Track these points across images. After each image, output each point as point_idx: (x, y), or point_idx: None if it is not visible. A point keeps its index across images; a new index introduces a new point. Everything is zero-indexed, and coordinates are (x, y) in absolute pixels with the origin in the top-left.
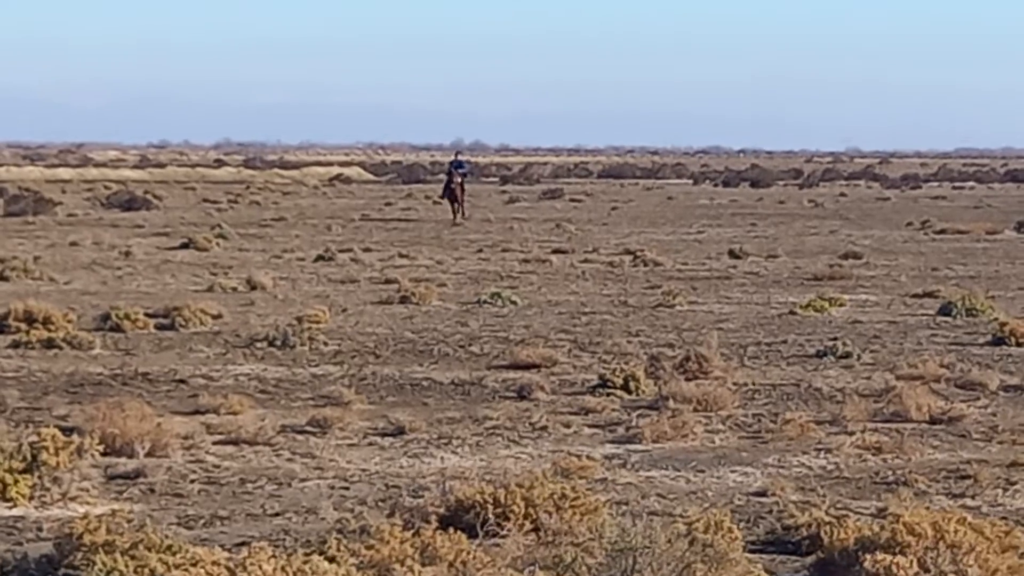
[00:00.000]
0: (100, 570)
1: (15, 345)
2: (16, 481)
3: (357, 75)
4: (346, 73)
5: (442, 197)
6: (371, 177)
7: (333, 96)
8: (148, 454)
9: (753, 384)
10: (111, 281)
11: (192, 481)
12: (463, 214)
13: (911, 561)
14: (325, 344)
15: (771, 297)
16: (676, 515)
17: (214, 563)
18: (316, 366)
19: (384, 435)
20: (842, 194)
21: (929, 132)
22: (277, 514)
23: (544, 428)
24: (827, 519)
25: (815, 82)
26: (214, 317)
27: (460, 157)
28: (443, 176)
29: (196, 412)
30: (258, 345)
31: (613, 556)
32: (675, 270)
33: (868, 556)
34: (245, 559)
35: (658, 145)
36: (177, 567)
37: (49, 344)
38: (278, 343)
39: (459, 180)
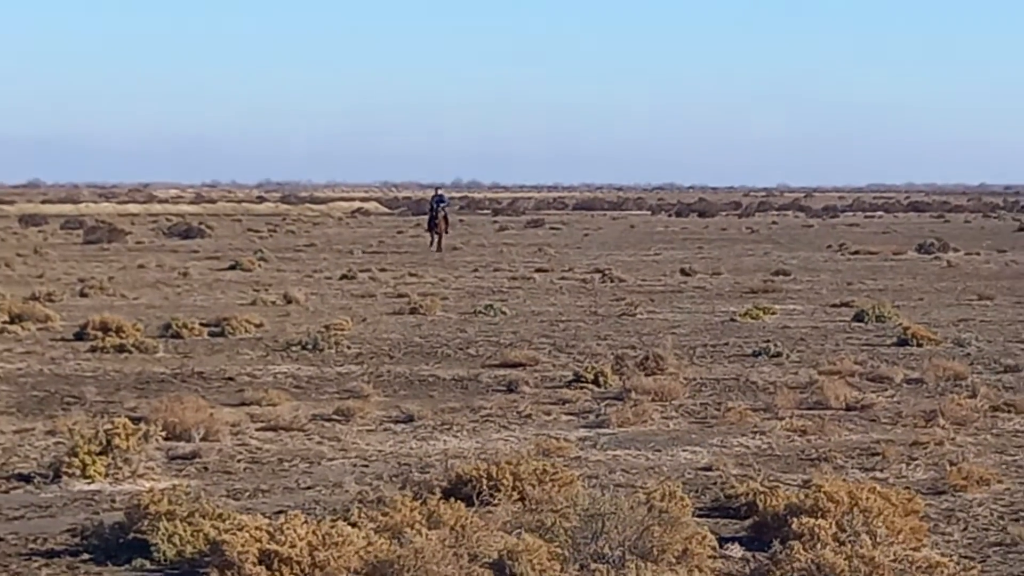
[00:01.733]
0: (163, 534)
1: (93, 350)
2: (94, 461)
3: (373, 126)
4: (365, 124)
5: (428, 229)
6: (386, 210)
7: (354, 143)
8: (203, 439)
9: (700, 379)
10: (172, 297)
11: (239, 461)
12: (439, 247)
13: (831, 523)
14: (348, 348)
15: (715, 307)
16: (637, 486)
17: (257, 528)
18: (341, 366)
19: (397, 422)
20: (774, 222)
21: (845, 171)
22: (309, 488)
23: (529, 416)
24: (762, 489)
25: (749, 130)
26: (256, 326)
27: (440, 192)
28: (427, 210)
29: (242, 404)
30: (293, 349)
31: (586, 520)
32: (636, 285)
33: (795, 519)
34: (282, 524)
35: (622, 183)
36: (226, 531)
37: (121, 349)
38: (309, 347)
39: (442, 214)
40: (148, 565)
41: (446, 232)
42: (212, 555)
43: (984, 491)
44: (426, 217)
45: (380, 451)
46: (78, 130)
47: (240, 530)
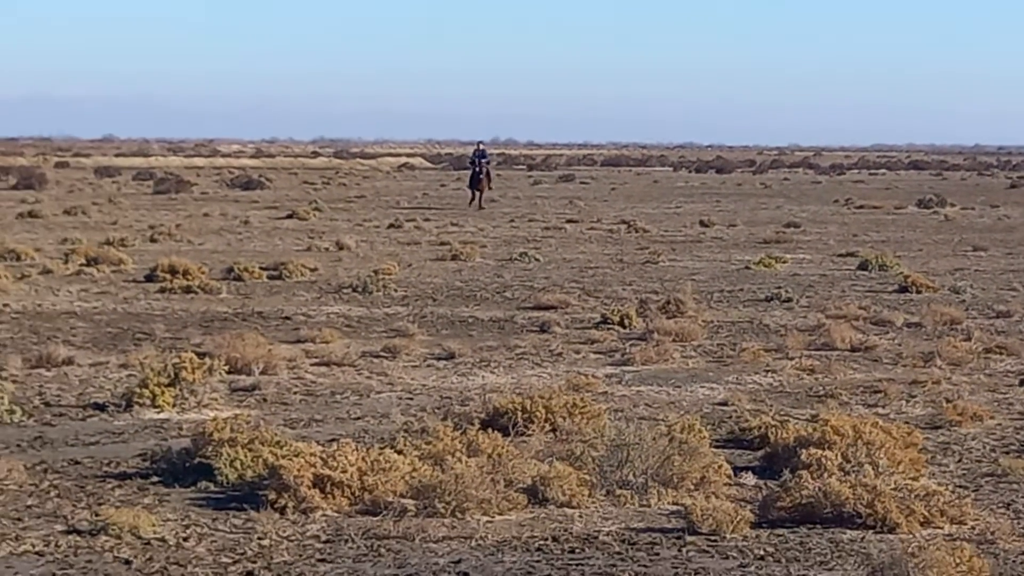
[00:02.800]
0: (225, 459)
1: (162, 291)
2: (163, 392)
3: (419, 88)
4: (411, 87)
5: (470, 186)
6: (429, 165)
7: (402, 104)
8: (262, 373)
9: (717, 321)
10: (233, 243)
11: (294, 393)
12: (480, 203)
13: (836, 454)
14: (395, 291)
15: (731, 256)
16: (659, 419)
17: (311, 454)
18: (388, 307)
19: (439, 359)
20: (785, 178)
21: (851, 132)
22: (358, 418)
23: (560, 354)
24: (773, 423)
25: (764, 93)
26: (311, 270)
27: (482, 146)
28: (469, 165)
29: (298, 341)
30: (344, 291)
31: (612, 450)
32: (659, 235)
33: (804, 450)
34: (335, 451)
35: (647, 141)
36: (283, 457)
37: (187, 290)
38: (359, 290)
39: (485, 170)
40: (212, 487)
41: (489, 188)
42: (270, 479)
43: (977, 426)
44: (468, 173)
45: (424, 385)
46: (149, 89)
47: (296, 456)
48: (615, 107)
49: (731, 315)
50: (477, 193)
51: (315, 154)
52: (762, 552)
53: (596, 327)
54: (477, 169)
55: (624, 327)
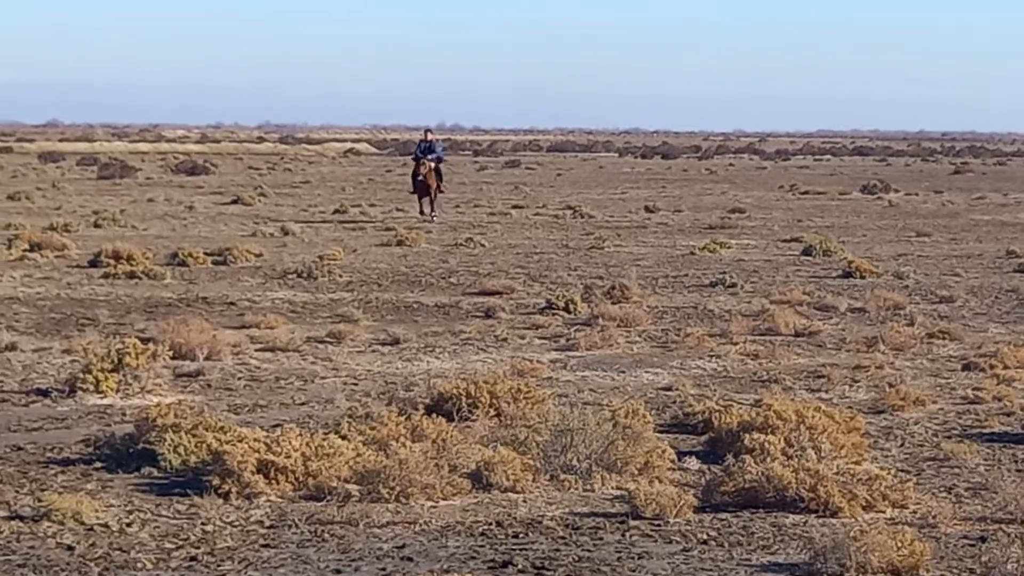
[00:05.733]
0: (169, 445)
1: (106, 276)
2: (106, 378)
3: (364, 73)
4: (355, 72)
5: (413, 190)
6: (375, 151)
7: (347, 89)
8: (206, 358)
9: (662, 307)
10: (178, 228)
11: (239, 378)
12: (431, 208)
13: (779, 439)
14: (340, 276)
15: (676, 242)
16: (603, 404)
17: (255, 439)
18: (333, 292)
19: (384, 344)
20: (731, 164)
21: (796, 118)
22: (303, 403)
23: (505, 339)
24: (717, 408)
25: (709, 80)
26: (256, 255)
27: (431, 136)
28: (414, 158)
29: (242, 327)
30: (289, 277)
31: (556, 435)
32: (604, 221)
33: (747, 435)
34: (279, 437)
35: (593, 127)
36: (227, 443)
37: (131, 275)
38: (304, 275)
39: (430, 166)
40: (155, 473)
41: (440, 191)
42: (214, 464)
43: (920, 411)
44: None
45: (369, 371)
46: (94, 75)
47: (240, 442)
48: (561, 93)
49: (676, 300)
50: (426, 197)
51: (260, 139)
52: (705, 536)
53: (541, 312)
54: (419, 168)
55: (569, 312)
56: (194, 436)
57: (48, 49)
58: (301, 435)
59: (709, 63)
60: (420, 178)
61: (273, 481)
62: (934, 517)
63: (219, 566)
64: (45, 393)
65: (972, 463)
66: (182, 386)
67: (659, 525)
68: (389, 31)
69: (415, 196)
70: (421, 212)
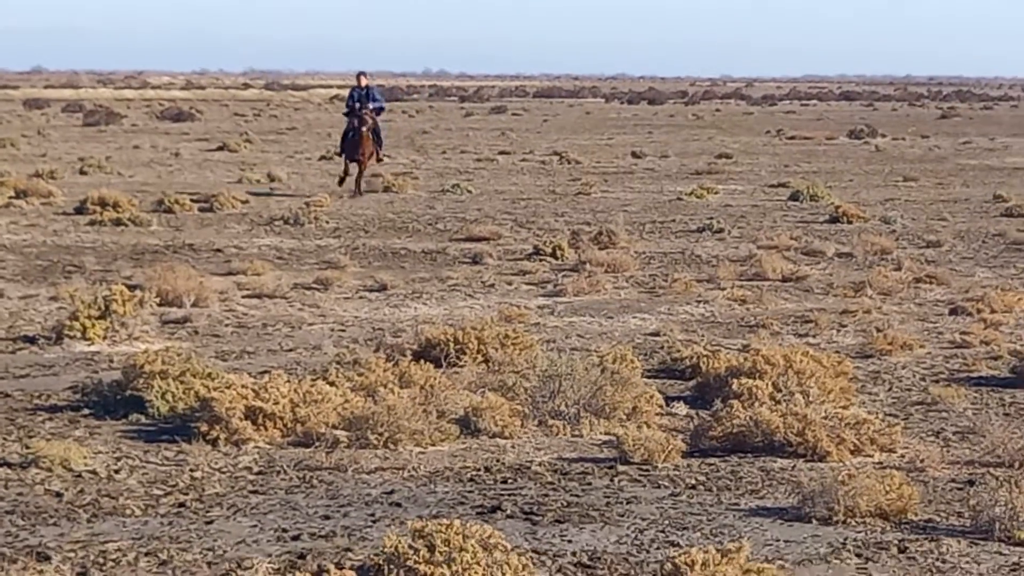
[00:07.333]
0: (157, 392)
1: (92, 223)
2: (93, 325)
3: (350, 15)
4: (342, 14)
5: (341, 152)
6: None
7: (332, 32)
8: (193, 305)
9: (649, 252)
10: (164, 175)
11: (226, 325)
12: (357, 183)
13: (767, 384)
14: (327, 223)
15: (663, 187)
16: (591, 350)
17: (243, 386)
18: (320, 239)
19: (371, 291)
20: (717, 110)
21: (783, 62)
22: (291, 350)
23: (492, 285)
24: (705, 353)
25: (696, 24)
26: (242, 202)
27: (366, 82)
28: (346, 115)
29: (229, 273)
30: (276, 223)
31: (544, 380)
32: (591, 167)
33: (735, 380)
34: (266, 383)
35: (579, 72)
36: (215, 389)
37: (118, 222)
38: (291, 222)
39: (369, 121)
40: (143, 420)
41: (378, 158)
42: (202, 411)
43: (907, 355)
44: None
45: (356, 317)
46: (78, 20)
47: (228, 388)
48: (548, 38)
49: (663, 246)
50: (352, 164)
51: (246, 86)
52: (693, 481)
53: (528, 258)
54: (356, 121)
55: (556, 258)
56: (182, 383)
57: None
58: (289, 381)
59: (696, 4)
60: (354, 135)
61: (261, 427)
62: (922, 461)
63: (207, 512)
64: (32, 340)
65: (960, 407)
66: (169, 333)
67: (647, 470)
68: None
69: (342, 158)
70: (343, 180)
